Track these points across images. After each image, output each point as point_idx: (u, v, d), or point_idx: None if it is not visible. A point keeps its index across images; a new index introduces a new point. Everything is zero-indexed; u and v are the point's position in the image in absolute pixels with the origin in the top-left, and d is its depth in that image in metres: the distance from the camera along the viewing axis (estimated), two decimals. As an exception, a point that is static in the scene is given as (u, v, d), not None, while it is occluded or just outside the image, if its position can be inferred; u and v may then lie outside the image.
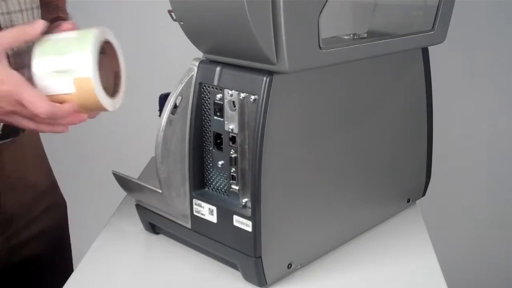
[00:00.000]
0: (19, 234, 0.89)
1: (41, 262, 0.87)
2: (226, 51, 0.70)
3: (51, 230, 0.96)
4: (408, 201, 0.96)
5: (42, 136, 0.96)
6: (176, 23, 0.71)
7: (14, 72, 0.66)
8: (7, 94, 0.66)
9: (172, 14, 0.71)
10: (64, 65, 0.66)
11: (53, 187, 0.99)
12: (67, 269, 0.95)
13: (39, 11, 0.86)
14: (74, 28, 0.74)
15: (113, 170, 0.83)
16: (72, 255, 1.02)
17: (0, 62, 0.66)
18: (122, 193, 0.89)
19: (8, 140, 0.83)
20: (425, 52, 0.90)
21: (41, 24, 0.68)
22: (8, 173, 0.85)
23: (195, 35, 0.71)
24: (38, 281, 0.76)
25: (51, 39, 0.69)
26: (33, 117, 0.69)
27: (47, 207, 0.95)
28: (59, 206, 1.00)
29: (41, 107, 0.65)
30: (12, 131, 0.82)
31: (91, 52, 0.65)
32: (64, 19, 0.87)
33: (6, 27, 0.76)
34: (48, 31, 0.73)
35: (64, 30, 0.72)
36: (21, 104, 0.66)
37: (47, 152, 0.97)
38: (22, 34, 0.68)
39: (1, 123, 0.79)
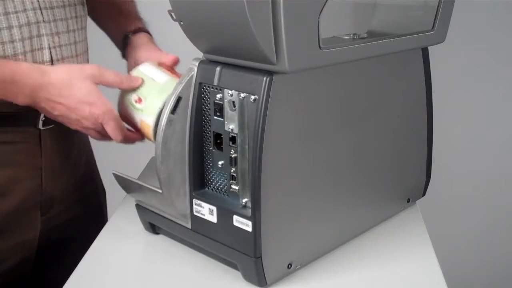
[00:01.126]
0: (60, 216, 0.95)
1: (80, 243, 0.90)
2: (226, 51, 0.70)
3: (90, 215, 1.02)
4: (408, 201, 0.96)
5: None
6: (176, 23, 0.71)
7: (106, 100, 0.80)
8: (95, 116, 0.80)
9: (172, 14, 0.71)
10: (140, 105, 0.81)
11: (94, 175, 1.07)
12: None
13: (84, 7, 0.95)
14: (175, 63, 0.89)
15: (113, 170, 0.83)
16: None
17: (95, 88, 0.80)
18: (122, 193, 0.89)
19: (51, 126, 0.88)
20: (425, 52, 0.90)
21: (139, 82, 0.82)
22: (52, 157, 0.91)
23: (195, 35, 0.71)
24: (75, 260, 0.80)
25: (144, 76, 0.83)
26: (103, 133, 0.83)
27: (88, 193, 1.02)
28: (99, 193, 1.07)
29: (118, 136, 0.82)
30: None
31: (157, 113, 0.78)
32: (145, 29, 1.00)
33: (49, 22, 0.85)
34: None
35: (164, 62, 0.87)
36: (101, 125, 0.81)
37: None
38: (119, 83, 0.82)
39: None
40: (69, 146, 0.96)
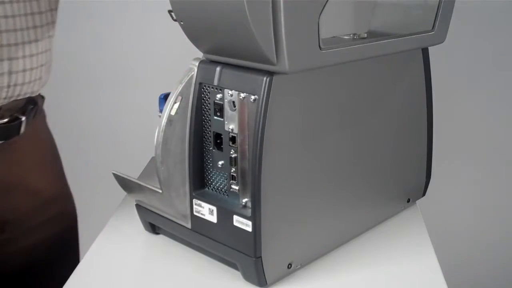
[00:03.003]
0: (15, 241, 0.86)
1: (37, 273, 0.84)
2: (226, 51, 0.70)
3: (54, 241, 0.92)
4: (408, 201, 0.96)
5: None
6: (176, 23, 0.71)
7: None
8: None
9: (172, 14, 0.71)
10: None
11: (63, 196, 0.95)
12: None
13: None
14: None
15: (113, 170, 0.83)
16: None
17: None
18: (122, 193, 0.89)
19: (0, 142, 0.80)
20: (425, 52, 0.90)
21: None
22: (2, 176, 0.82)
23: (195, 35, 0.71)
24: None
25: None
26: None
27: (52, 217, 0.91)
28: (66, 217, 0.96)
29: None
30: (4, 134, 0.80)
31: None
32: None
33: (8, 31, 0.75)
34: None
35: None
36: None
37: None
38: None
39: None
40: (22, 161, 0.85)
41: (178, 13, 0.70)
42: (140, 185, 0.80)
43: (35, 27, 0.80)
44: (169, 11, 0.72)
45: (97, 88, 1.55)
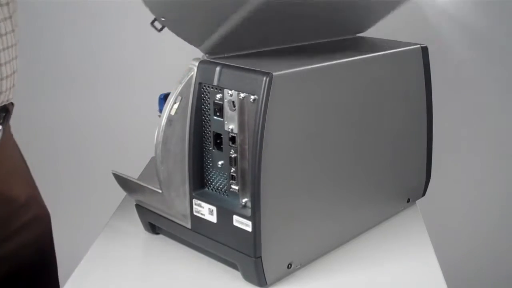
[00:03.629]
0: None
1: (20, 280, 0.83)
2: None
3: (30, 247, 0.91)
4: (408, 201, 0.96)
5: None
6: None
7: None
8: None
9: (155, 24, 0.70)
10: None
11: (34, 200, 0.94)
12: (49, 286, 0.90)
13: (8, 7, 0.81)
14: None
15: (113, 170, 0.82)
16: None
17: None
18: (122, 193, 0.89)
19: None
20: (425, 52, 0.90)
21: None
22: None
23: (179, 27, 0.70)
24: None
25: None
26: None
27: (27, 222, 0.90)
28: (40, 220, 0.94)
29: None
30: None
31: None
32: None
33: None
34: None
35: None
36: None
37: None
38: None
39: None
40: None
41: (155, 11, 0.69)
42: (140, 185, 0.80)
43: (2, 34, 0.79)
44: (151, 23, 0.71)
45: (97, 88, 1.55)
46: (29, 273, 0.79)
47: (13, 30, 0.81)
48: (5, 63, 0.79)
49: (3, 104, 0.81)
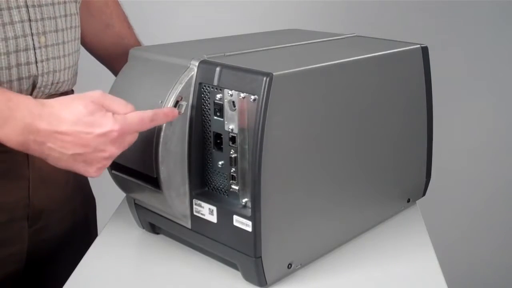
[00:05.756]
0: (49, 228, 0.92)
1: (69, 256, 0.88)
2: None
3: (80, 227, 0.99)
4: (408, 201, 0.96)
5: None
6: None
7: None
8: (113, 136, 0.67)
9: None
10: None
11: (84, 185, 1.03)
12: None
13: (77, 4, 0.91)
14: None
15: (113, 170, 0.82)
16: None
17: (98, 107, 0.69)
18: (122, 193, 0.89)
19: None
20: (425, 52, 0.90)
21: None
22: (39, 166, 0.86)
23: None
24: (64, 273, 0.78)
25: None
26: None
27: (78, 204, 0.98)
28: (88, 204, 1.04)
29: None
30: None
31: None
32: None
33: (36, 20, 0.81)
34: None
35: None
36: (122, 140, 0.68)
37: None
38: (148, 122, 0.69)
39: None
40: None
41: None
42: (140, 185, 0.80)
43: (69, 28, 0.88)
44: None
45: (97, 88, 1.54)
46: (77, 251, 0.86)
47: (78, 26, 0.92)
48: (73, 53, 0.90)
49: (65, 91, 0.91)
